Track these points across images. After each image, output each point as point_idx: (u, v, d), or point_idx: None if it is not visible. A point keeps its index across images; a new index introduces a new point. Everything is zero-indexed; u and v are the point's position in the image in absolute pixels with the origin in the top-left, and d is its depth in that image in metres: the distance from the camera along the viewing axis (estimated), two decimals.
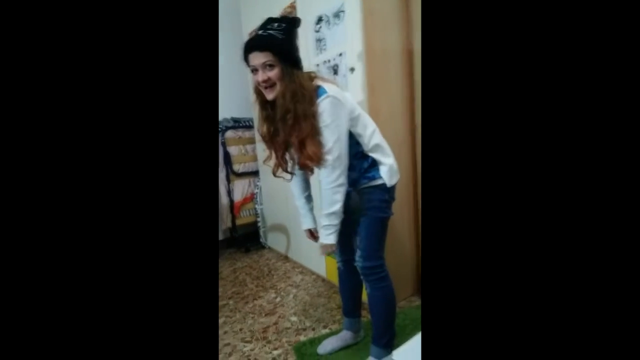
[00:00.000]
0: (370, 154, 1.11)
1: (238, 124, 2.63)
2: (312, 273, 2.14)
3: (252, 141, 2.64)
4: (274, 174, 1.16)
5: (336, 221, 1.07)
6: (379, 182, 1.11)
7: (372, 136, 1.11)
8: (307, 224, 1.29)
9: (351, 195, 1.14)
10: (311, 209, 1.30)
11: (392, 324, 1.23)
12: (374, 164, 1.11)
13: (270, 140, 1.11)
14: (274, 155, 1.13)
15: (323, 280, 2.03)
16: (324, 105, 0.98)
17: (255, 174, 2.67)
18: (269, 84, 0.98)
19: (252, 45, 0.97)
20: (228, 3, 2.60)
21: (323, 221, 1.07)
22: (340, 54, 1.53)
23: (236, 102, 2.69)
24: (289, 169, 1.16)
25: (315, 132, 0.99)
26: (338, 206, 1.05)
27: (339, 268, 1.35)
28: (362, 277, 1.19)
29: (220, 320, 1.72)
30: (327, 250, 1.11)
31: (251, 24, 2.28)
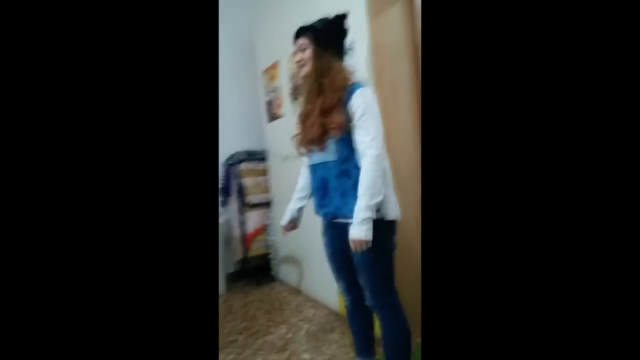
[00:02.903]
0: None
1: (252, 156, 2.68)
2: (325, 307, 2.07)
3: (265, 173, 2.67)
4: (297, 149, 1.18)
5: (374, 215, 0.99)
6: (379, 215, 1.03)
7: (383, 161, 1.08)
8: (286, 220, 1.28)
9: (348, 229, 1.03)
10: (298, 209, 1.28)
11: None
12: None
13: (300, 117, 1.17)
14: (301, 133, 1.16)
15: (336, 314, 1.96)
16: (364, 95, 1.03)
17: (267, 205, 2.67)
18: (302, 64, 1.10)
19: (296, 32, 1.11)
20: (243, 40, 2.74)
21: (362, 214, 0.97)
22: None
23: (250, 135, 2.76)
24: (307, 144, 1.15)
25: (341, 106, 1.03)
26: (380, 198, 0.99)
27: (346, 307, 1.28)
28: (375, 314, 1.14)
29: (230, 357, 1.66)
30: (362, 245, 0.99)
31: (265, 60, 2.39)
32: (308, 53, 1.08)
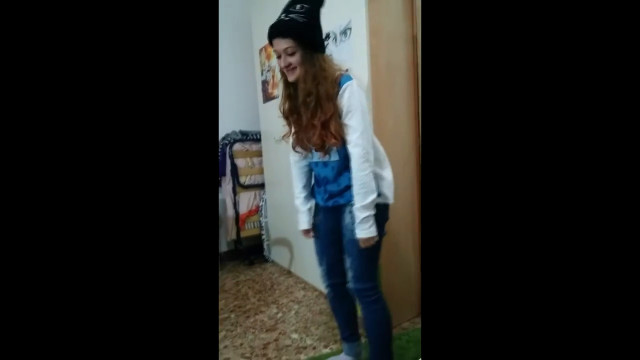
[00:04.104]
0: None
1: (246, 136, 2.66)
2: (315, 289, 2.11)
3: (259, 154, 2.65)
4: (294, 148, 1.15)
5: (373, 211, 1.01)
6: (381, 200, 1.06)
7: (374, 147, 1.08)
8: (304, 225, 1.24)
9: (342, 211, 1.11)
10: (309, 210, 1.24)
11: (389, 347, 1.19)
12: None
13: (290, 116, 1.11)
14: (292, 131, 1.12)
15: (325, 296, 2.00)
16: (351, 90, 0.99)
17: (261, 186, 2.67)
18: (291, 68, 1.01)
19: (275, 31, 0.99)
20: (239, 18, 2.66)
21: (360, 214, 1.00)
22: (347, 70, 1.54)
23: (245, 115, 2.72)
24: (304, 148, 1.12)
25: (337, 114, 1.00)
26: (375, 195, 1.01)
27: (328, 293, 1.29)
28: (356, 298, 1.16)
29: (221, 334, 1.70)
30: (370, 242, 1.04)
31: (262, 38, 2.32)
32: (297, 57, 0.99)
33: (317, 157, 1.11)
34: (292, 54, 0.99)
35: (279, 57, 1.02)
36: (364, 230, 1.01)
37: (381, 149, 1.12)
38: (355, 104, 0.99)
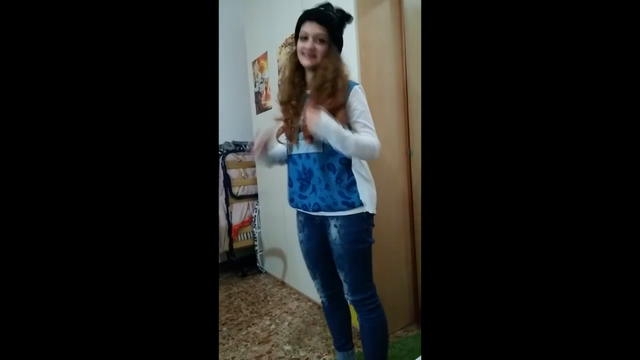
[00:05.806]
0: (354, 169, 1.06)
1: (239, 147, 2.67)
2: (309, 300, 2.09)
3: (252, 165, 2.66)
4: (277, 137, 1.16)
5: (339, 142, 0.96)
6: (357, 210, 1.06)
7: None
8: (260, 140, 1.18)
9: (327, 225, 1.11)
10: (277, 151, 1.22)
11: (385, 355, 1.18)
12: (353, 184, 1.06)
13: (288, 102, 1.10)
14: (284, 117, 1.12)
15: (319, 307, 1.98)
16: (360, 93, 1.05)
17: (254, 197, 2.67)
18: (312, 54, 1.03)
19: (313, 16, 1.03)
20: (233, 30, 2.70)
21: (342, 131, 0.97)
22: None
23: (238, 126, 2.74)
24: (292, 136, 1.11)
25: (344, 106, 1.02)
26: (345, 151, 0.98)
27: (323, 303, 1.29)
28: (354, 308, 1.16)
29: None
30: (314, 118, 0.96)
31: (255, 50, 2.36)
32: (324, 47, 1.03)
33: (302, 147, 1.09)
34: (321, 43, 1.03)
35: (304, 39, 1.04)
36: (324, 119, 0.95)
37: (364, 161, 1.11)
38: (366, 105, 1.05)
